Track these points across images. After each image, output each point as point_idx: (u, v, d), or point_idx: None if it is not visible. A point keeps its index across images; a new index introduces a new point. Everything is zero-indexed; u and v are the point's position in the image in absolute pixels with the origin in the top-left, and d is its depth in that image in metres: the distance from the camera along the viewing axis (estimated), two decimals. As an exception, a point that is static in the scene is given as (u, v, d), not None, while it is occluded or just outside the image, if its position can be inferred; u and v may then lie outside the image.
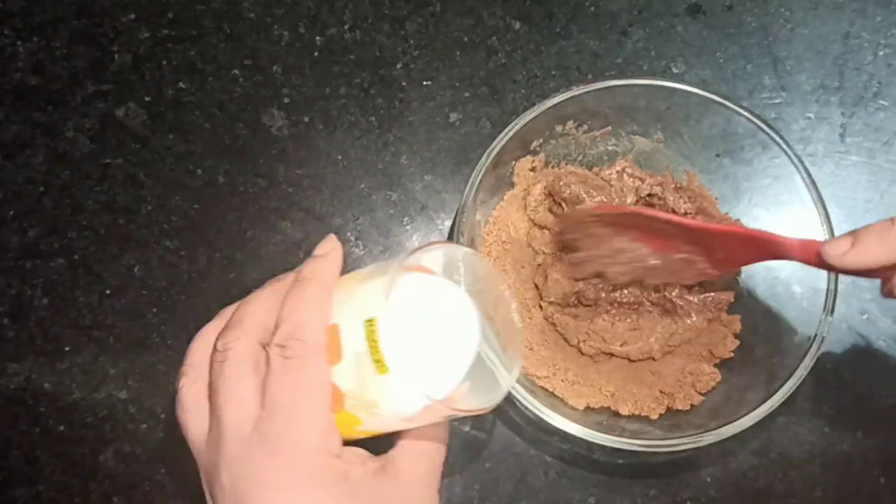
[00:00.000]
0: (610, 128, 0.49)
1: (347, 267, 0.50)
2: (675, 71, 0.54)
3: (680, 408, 0.46)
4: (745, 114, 0.46)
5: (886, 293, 0.37)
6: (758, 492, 0.49)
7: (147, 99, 0.53)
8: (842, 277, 0.44)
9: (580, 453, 0.49)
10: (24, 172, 0.52)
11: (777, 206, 0.48)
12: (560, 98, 0.46)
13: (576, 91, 0.46)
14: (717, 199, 0.50)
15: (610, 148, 0.51)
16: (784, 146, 0.45)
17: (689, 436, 0.42)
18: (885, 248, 0.34)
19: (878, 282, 0.52)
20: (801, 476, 0.49)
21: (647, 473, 0.49)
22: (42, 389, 0.50)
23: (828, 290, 0.44)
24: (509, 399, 0.50)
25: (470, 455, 0.49)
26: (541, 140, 0.49)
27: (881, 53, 0.54)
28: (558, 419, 0.42)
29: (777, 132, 0.46)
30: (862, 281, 0.51)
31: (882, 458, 0.49)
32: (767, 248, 0.41)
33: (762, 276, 0.49)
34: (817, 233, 0.45)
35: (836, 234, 0.45)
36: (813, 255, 0.38)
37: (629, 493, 0.49)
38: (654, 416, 0.46)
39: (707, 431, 0.42)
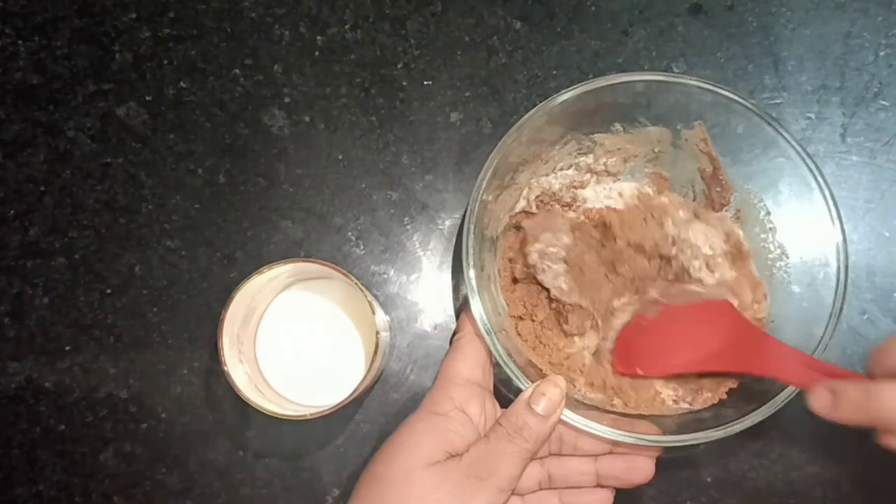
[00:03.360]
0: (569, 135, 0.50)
1: (350, 268, 0.51)
2: (676, 70, 0.54)
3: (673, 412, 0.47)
4: (753, 107, 0.46)
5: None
6: (758, 492, 0.49)
7: (148, 98, 0.53)
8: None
9: (580, 453, 0.49)
10: (25, 171, 0.52)
11: (788, 203, 0.47)
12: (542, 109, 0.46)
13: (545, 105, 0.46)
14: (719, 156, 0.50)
15: (575, 157, 0.51)
16: (791, 141, 0.45)
17: (685, 434, 0.43)
18: (862, 417, 0.36)
19: (878, 282, 0.52)
20: (801, 476, 0.49)
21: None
22: (42, 388, 0.50)
23: (836, 291, 0.44)
24: (509, 393, 0.50)
25: (470, 455, 0.49)
26: (511, 173, 0.48)
27: (882, 54, 0.54)
28: (576, 418, 0.42)
29: (782, 126, 0.46)
30: (862, 281, 0.51)
31: (882, 459, 0.49)
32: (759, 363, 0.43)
33: (763, 273, 0.49)
34: (828, 230, 0.45)
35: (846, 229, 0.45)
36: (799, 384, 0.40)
37: (629, 493, 0.49)
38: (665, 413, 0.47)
39: (702, 430, 0.43)
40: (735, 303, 0.47)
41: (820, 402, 0.38)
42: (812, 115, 0.53)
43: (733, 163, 0.49)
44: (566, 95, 0.45)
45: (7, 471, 0.49)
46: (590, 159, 0.51)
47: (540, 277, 0.48)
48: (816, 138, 0.53)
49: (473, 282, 0.44)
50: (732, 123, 0.47)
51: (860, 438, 0.49)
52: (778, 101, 0.53)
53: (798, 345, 0.44)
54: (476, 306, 0.44)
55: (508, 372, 0.43)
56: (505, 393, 0.50)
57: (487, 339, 0.43)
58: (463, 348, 0.44)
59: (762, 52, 0.54)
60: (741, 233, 0.50)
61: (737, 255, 0.49)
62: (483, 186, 0.45)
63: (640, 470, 0.43)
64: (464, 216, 0.45)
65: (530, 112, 0.45)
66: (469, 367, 0.43)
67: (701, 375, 0.47)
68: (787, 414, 0.49)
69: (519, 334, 0.49)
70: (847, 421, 0.37)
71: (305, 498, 0.49)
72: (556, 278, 0.48)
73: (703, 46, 0.54)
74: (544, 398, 0.41)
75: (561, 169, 0.51)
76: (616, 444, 0.43)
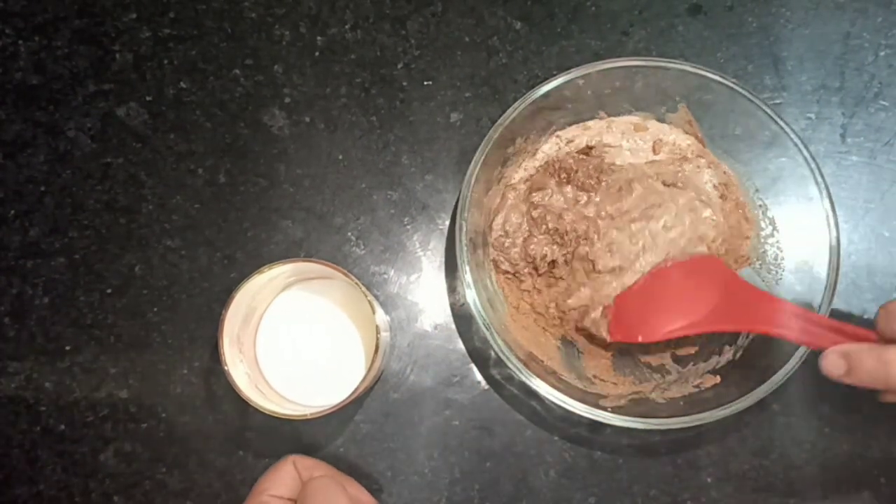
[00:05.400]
0: (554, 127, 0.50)
1: (350, 268, 0.51)
2: (675, 71, 0.54)
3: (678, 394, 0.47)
4: (756, 100, 0.46)
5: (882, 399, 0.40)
6: (758, 492, 0.49)
7: (148, 98, 0.53)
8: (841, 276, 0.45)
9: (581, 453, 0.49)
10: (26, 172, 0.52)
11: (788, 200, 0.48)
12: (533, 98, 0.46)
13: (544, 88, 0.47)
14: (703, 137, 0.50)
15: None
16: (794, 138, 0.46)
17: (689, 416, 0.43)
18: (875, 383, 0.37)
19: (878, 282, 0.52)
20: (801, 476, 0.49)
21: (648, 473, 0.49)
22: (43, 388, 0.50)
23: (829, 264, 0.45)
24: (508, 393, 0.50)
25: (470, 455, 0.49)
26: (512, 149, 0.49)
27: (882, 54, 0.54)
28: (579, 406, 0.43)
29: (784, 122, 0.46)
30: (863, 281, 0.51)
31: (882, 458, 0.49)
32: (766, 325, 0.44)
33: (756, 251, 0.49)
34: (822, 225, 0.45)
35: (841, 229, 0.46)
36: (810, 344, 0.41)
37: (629, 493, 0.49)
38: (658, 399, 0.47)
39: (713, 408, 0.43)
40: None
41: (834, 367, 0.38)
42: (812, 115, 0.53)
43: (721, 133, 0.49)
44: (547, 87, 0.46)
45: (7, 471, 0.49)
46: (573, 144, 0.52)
47: (504, 267, 0.49)
48: (816, 138, 0.53)
49: (468, 276, 0.44)
50: (717, 100, 0.47)
51: (861, 439, 0.49)
52: (778, 101, 0.53)
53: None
54: (472, 300, 0.44)
55: (510, 365, 0.43)
56: (508, 387, 0.50)
57: (487, 333, 0.44)
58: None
59: (762, 52, 0.54)
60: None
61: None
62: (472, 182, 0.45)
63: None
64: (454, 213, 0.46)
65: (513, 105, 0.46)
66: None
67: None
68: (787, 414, 0.49)
69: (524, 327, 0.49)
70: (860, 385, 0.38)
71: (305, 498, 0.49)
72: (517, 263, 0.49)
73: (703, 47, 0.54)
74: None
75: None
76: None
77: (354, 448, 0.49)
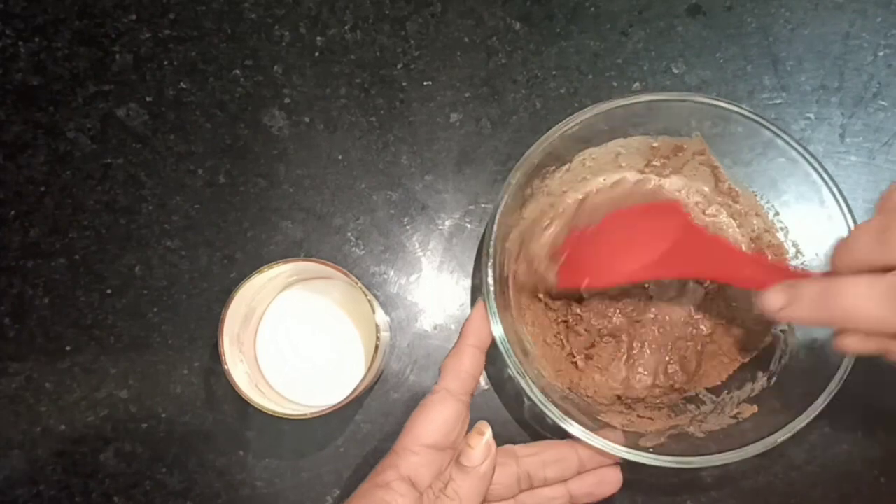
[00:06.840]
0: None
1: (349, 268, 0.51)
2: (675, 71, 0.54)
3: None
4: (754, 116, 0.45)
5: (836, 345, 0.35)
6: (758, 492, 0.49)
7: (148, 99, 0.53)
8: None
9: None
10: (26, 172, 0.52)
11: (797, 202, 0.47)
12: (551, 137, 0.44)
13: (566, 126, 0.44)
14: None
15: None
16: (794, 144, 0.45)
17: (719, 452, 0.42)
18: (818, 314, 0.34)
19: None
20: (801, 476, 0.49)
21: (647, 473, 0.49)
22: (43, 389, 0.50)
23: None
24: (510, 400, 0.50)
25: (470, 455, 0.49)
26: (530, 190, 0.47)
27: (881, 54, 0.54)
28: (578, 429, 0.42)
29: (783, 130, 0.45)
30: (862, 281, 0.51)
31: (882, 458, 0.49)
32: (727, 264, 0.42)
33: None
34: (841, 226, 0.45)
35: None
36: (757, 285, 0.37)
37: (629, 494, 0.49)
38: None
39: (726, 451, 0.42)
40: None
41: (775, 300, 0.35)
42: (811, 116, 0.53)
43: (734, 164, 0.49)
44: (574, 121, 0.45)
45: (7, 471, 0.49)
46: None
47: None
48: (815, 138, 0.53)
49: (498, 320, 0.42)
50: (731, 128, 0.46)
51: (861, 439, 0.49)
52: (777, 101, 0.53)
53: (819, 335, 0.44)
54: (503, 344, 0.43)
55: (546, 412, 0.42)
56: (508, 388, 0.50)
57: (521, 382, 0.42)
58: (429, 409, 0.41)
59: (761, 52, 0.54)
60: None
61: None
62: (505, 199, 0.43)
63: (610, 482, 0.44)
64: (489, 223, 0.44)
65: (565, 120, 0.45)
66: (431, 431, 0.40)
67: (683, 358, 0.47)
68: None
69: (557, 371, 0.48)
70: (803, 319, 0.35)
71: (305, 498, 0.49)
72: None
73: (702, 47, 0.54)
74: (470, 449, 0.39)
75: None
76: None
77: (354, 448, 0.49)
